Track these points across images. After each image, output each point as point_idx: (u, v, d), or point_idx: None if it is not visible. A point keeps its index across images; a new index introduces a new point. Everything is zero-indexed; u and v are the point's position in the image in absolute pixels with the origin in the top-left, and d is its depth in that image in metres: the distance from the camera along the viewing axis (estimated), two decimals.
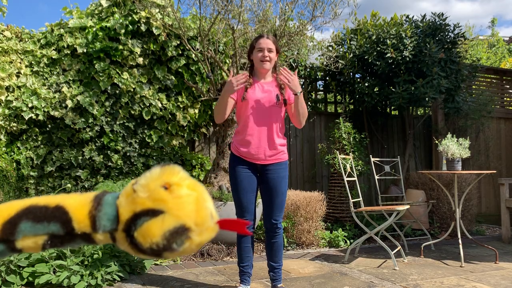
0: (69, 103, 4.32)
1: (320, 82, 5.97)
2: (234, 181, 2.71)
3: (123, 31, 4.45)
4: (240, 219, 0.69)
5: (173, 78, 4.70)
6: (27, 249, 0.71)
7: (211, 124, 5.08)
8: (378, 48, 4.87)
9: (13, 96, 4.22)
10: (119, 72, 4.47)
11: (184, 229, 0.64)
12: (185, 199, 0.65)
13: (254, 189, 2.72)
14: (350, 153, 4.79)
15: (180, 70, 4.71)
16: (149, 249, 0.65)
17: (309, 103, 5.91)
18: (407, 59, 4.71)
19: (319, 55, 5.35)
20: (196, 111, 4.83)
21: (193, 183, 0.68)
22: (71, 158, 4.37)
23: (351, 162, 4.43)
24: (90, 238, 0.70)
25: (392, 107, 5.91)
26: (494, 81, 6.74)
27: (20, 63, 4.32)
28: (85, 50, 4.37)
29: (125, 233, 0.67)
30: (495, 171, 4.29)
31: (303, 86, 5.74)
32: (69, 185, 4.21)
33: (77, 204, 0.70)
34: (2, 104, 4.20)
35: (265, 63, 2.64)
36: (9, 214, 0.70)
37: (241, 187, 2.68)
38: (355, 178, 4.32)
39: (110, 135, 4.47)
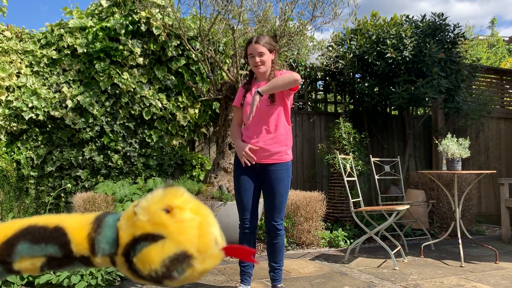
0: (69, 103, 4.32)
1: (320, 82, 5.98)
2: (235, 180, 2.78)
3: (123, 31, 4.45)
4: (247, 247, 0.66)
5: (173, 78, 4.70)
6: (24, 271, 0.68)
7: (211, 124, 5.08)
8: (378, 48, 4.87)
9: (13, 96, 4.22)
10: (119, 72, 4.47)
11: (185, 256, 0.60)
12: (187, 224, 0.61)
13: (254, 188, 2.74)
14: (350, 153, 4.79)
15: (180, 70, 4.72)
16: (149, 276, 0.62)
17: (309, 103, 5.92)
18: (407, 59, 4.70)
19: (319, 55, 5.36)
20: (196, 111, 4.83)
21: (197, 207, 0.64)
22: (71, 158, 4.37)
23: (351, 162, 4.43)
24: (89, 261, 0.66)
25: (392, 107, 5.91)
26: (494, 81, 6.74)
27: (20, 63, 4.32)
28: (85, 50, 4.38)
29: (124, 258, 0.64)
30: (495, 171, 4.29)
31: (303, 86, 5.74)
32: (69, 185, 4.21)
33: (76, 225, 0.67)
34: (2, 104, 4.20)
35: (258, 67, 2.67)
36: (6, 234, 0.67)
37: (241, 185, 2.73)
38: (355, 178, 4.32)
39: (110, 135, 4.47)
